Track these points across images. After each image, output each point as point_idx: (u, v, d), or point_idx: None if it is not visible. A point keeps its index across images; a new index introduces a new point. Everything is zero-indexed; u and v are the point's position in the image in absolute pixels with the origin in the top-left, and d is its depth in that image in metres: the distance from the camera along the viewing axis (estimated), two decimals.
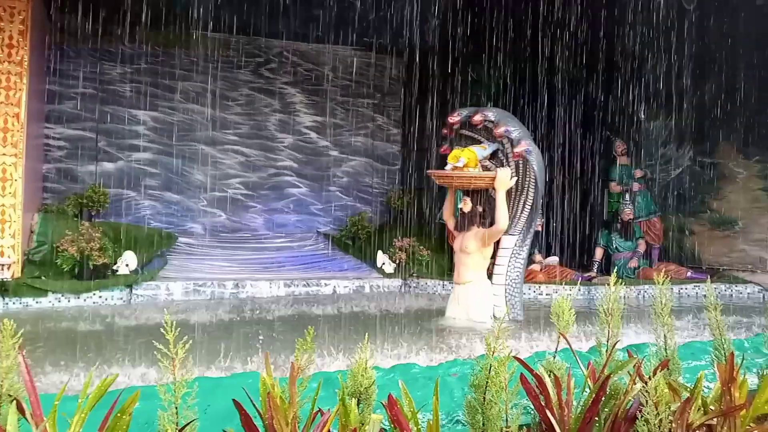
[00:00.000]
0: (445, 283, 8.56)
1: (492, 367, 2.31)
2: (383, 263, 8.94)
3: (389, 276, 8.77)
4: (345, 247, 9.52)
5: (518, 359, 2.36)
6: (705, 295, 3.03)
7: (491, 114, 5.72)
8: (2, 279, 6.77)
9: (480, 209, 5.81)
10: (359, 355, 2.24)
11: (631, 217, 9.22)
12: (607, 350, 2.62)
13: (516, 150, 5.58)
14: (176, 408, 1.89)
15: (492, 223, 5.69)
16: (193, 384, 1.95)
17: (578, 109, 10.10)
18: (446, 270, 9.11)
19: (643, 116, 9.51)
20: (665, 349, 2.86)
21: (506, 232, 5.86)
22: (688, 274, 8.86)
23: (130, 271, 7.67)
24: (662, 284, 2.95)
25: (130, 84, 9.38)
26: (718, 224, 9.23)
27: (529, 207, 5.84)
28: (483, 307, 5.77)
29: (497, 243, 5.93)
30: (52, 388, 3.37)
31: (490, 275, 6.01)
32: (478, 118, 5.69)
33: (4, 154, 6.95)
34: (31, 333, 5.52)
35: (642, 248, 9.33)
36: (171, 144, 9.60)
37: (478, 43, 9.28)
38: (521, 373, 2.32)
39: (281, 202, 10.20)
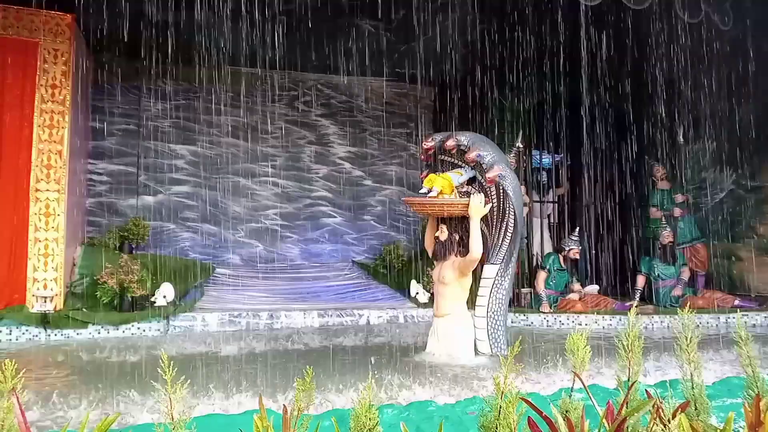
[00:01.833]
0: None
1: (501, 408, 2.23)
2: (417, 293, 8.87)
3: (423, 306, 8.68)
4: (379, 276, 9.50)
5: (526, 400, 2.27)
6: (754, 325, 2.87)
7: (464, 138, 5.52)
8: (45, 311, 6.97)
9: (457, 237, 5.53)
10: (363, 394, 2.20)
11: (671, 240, 8.91)
12: (630, 389, 2.50)
13: (488, 175, 5.38)
14: None
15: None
16: (191, 425, 1.94)
17: (615, 134, 9.93)
18: None
19: (682, 140, 9.25)
20: (692, 387, 2.71)
21: (488, 261, 5.64)
22: (736, 302, 8.48)
23: (168, 303, 7.80)
24: (688, 315, 2.80)
25: (170, 119, 9.70)
26: (766, 250, 8.83)
27: (510, 235, 5.58)
28: (462, 341, 5.40)
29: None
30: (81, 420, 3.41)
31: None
32: (450, 143, 5.52)
33: (47, 190, 7.23)
34: (67, 364, 5.67)
35: (686, 275, 9.00)
36: (209, 177, 9.84)
37: (510, 70, 9.26)
38: (529, 417, 2.23)
39: (316, 232, 10.29)
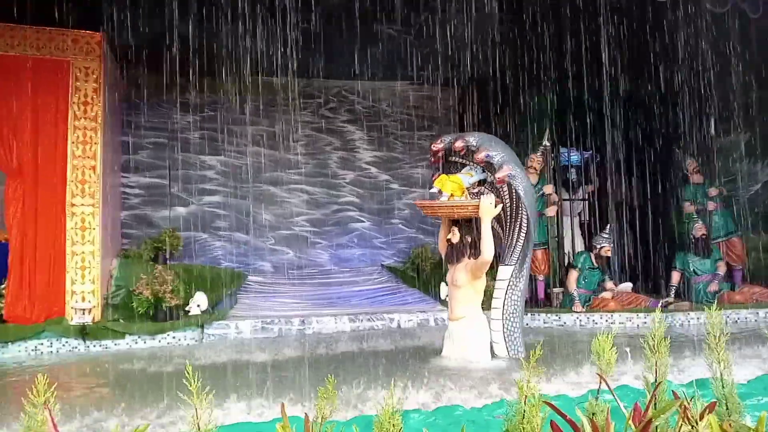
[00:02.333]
0: None
1: (524, 412, 2.23)
2: (447, 295, 8.83)
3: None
4: (409, 279, 9.51)
5: (548, 404, 2.26)
6: None
7: (473, 139, 5.46)
8: (84, 323, 7.16)
9: (469, 239, 5.44)
10: (387, 401, 2.21)
11: (704, 233, 8.72)
12: (655, 389, 2.47)
13: (497, 175, 5.30)
14: None
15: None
16: None
17: (645, 128, 9.76)
18: None
19: (713, 132, 9.04)
20: (722, 387, 2.66)
21: (502, 263, 5.57)
22: None
23: (202, 312, 7.93)
24: (716, 313, 2.75)
25: (199, 131, 9.89)
26: None
27: (524, 235, 5.50)
28: (477, 344, 5.33)
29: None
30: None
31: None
32: (459, 144, 5.46)
33: (83, 204, 7.43)
34: (105, 375, 5.82)
35: (722, 270, 8.79)
36: (238, 186, 10.00)
37: (535, 68, 9.20)
38: (552, 420, 2.22)
39: (345, 237, 10.37)
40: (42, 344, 6.90)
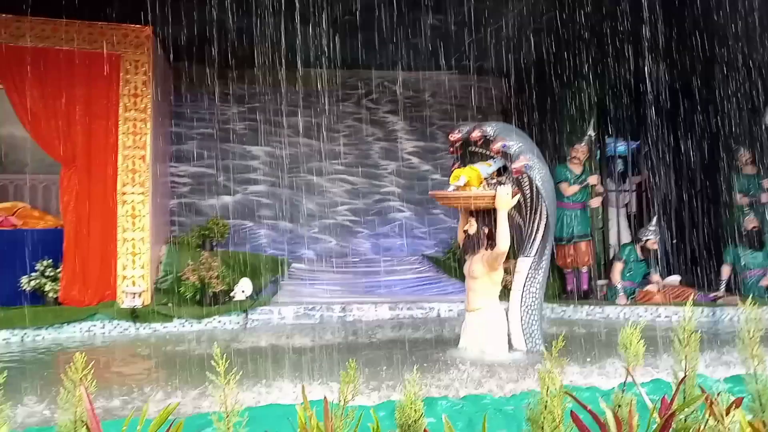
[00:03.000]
0: (554, 306, 8.30)
1: (546, 402, 2.24)
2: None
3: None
4: (450, 270, 9.51)
5: (569, 394, 2.27)
6: None
7: (490, 129, 5.33)
8: (134, 306, 7.46)
9: (486, 230, 5.35)
10: (408, 387, 2.26)
11: (755, 225, 8.41)
12: (680, 383, 2.45)
13: (514, 166, 5.16)
14: None
15: None
16: (244, 413, 2.07)
17: (695, 117, 9.45)
18: (556, 292, 8.84)
19: (767, 122, 8.67)
20: (756, 382, 2.61)
21: (521, 254, 5.48)
22: None
23: (246, 297, 8.16)
24: (752, 307, 2.69)
25: (245, 122, 10.10)
26: None
27: (544, 227, 5.38)
28: (494, 336, 5.28)
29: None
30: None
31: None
32: (476, 134, 5.33)
33: (133, 193, 7.72)
34: (152, 356, 6.07)
35: None
36: (283, 176, 10.18)
37: (581, 56, 9.02)
38: (572, 410, 2.23)
39: (387, 227, 10.44)
40: (95, 326, 7.23)
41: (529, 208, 5.49)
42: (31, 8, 6.96)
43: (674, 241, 9.31)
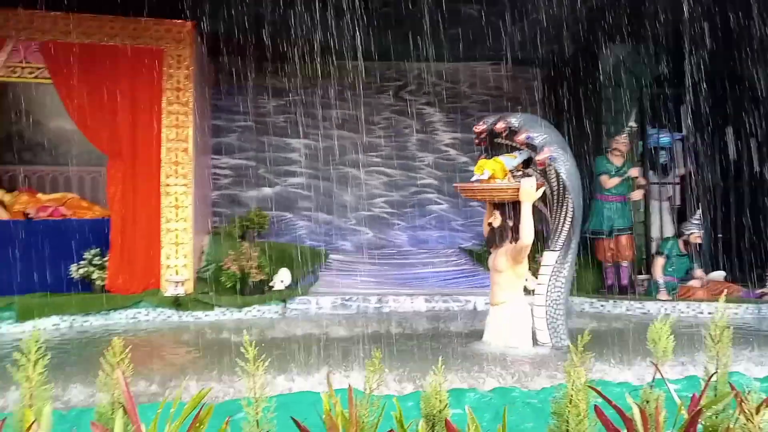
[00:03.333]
0: (593, 300, 8.19)
1: (571, 396, 2.25)
2: (526, 279, 8.73)
3: (531, 293, 8.55)
4: (486, 262, 9.45)
5: (593, 388, 2.27)
6: None
7: (514, 120, 5.19)
8: (177, 295, 7.69)
9: (511, 223, 5.24)
10: (433, 378, 2.30)
11: None
12: (708, 380, 2.42)
13: (538, 158, 5.02)
14: (257, 421, 2.09)
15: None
16: (272, 399, 2.15)
17: (743, 107, 9.14)
18: (595, 287, 8.72)
19: None
20: None
21: (547, 248, 5.35)
22: None
23: (285, 287, 8.31)
24: None
25: (284, 115, 10.26)
26: None
27: (570, 220, 5.24)
28: (519, 330, 5.22)
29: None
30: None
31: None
32: (500, 125, 5.20)
33: (176, 184, 7.93)
34: (193, 343, 6.25)
35: None
36: (321, 168, 10.32)
37: (622, 45, 8.84)
38: (596, 405, 2.23)
39: (423, 219, 10.47)
40: (140, 313, 7.47)
41: (555, 201, 5.39)
42: (77, 5, 7.21)
43: (719, 236, 9.05)
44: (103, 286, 7.61)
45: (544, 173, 5.32)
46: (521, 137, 5.11)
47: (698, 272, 8.27)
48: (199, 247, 8.55)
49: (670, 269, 8.21)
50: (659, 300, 7.92)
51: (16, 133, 9.27)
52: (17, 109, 8.95)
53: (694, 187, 9.47)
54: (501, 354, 4.90)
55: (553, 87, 10.32)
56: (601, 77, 9.16)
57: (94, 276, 7.63)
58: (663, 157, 9.89)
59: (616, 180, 8.45)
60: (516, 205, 5.21)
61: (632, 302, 8.02)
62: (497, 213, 5.34)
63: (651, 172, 9.29)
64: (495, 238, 5.37)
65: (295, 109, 10.19)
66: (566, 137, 9.64)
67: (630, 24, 8.16)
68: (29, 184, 9.16)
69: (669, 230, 9.18)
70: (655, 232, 9.26)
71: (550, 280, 5.35)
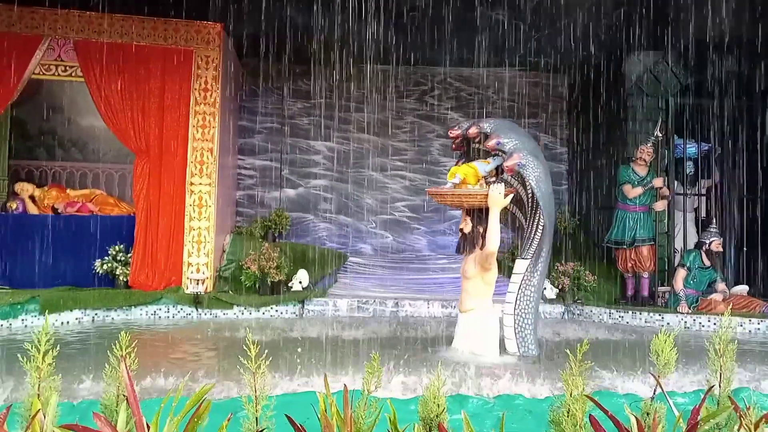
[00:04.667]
0: (612, 311, 8.11)
1: (568, 406, 2.26)
2: (545, 288, 8.70)
3: (550, 301, 8.53)
4: (506, 270, 9.43)
5: (591, 399, 2.28)
6: None
7: (487, 125, 5.10)
8: (197, 293, 7.82)
9: (481, 230, 5.14)
10: (432, 383, 2.33)
11: None
12: (706, 393, 2.41)
13: (506, 164, 4.89)
14: (256, 419, 2.15)
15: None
16: (272, 398, 2.20)
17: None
18: (614, 297, 8.64)
19: None
20: None
21: (519, 256, 5.27)
22: None
23: (303, 288, 8.39)
24: None
25: (309, 117, 10.37)
26: None
27: (542, 228, 5.12)
28: (486, 338, 5.12)
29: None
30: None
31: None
32: (473, 130, 5.11)
33: (201, 184, 8.07)
34: (210, 340, 6.35)
35: None
36: (344, 171, 10.40)
37: (649, 54, 8.75)
38: (591, 414, 2.23)
39: (443, 224, 10.47)
40: (160, 309, 7.62)
41: (529, 209, 5.31)
42: (111, 6, 7.40)
43: (744, 250, 8.90)
44: (126, 281, 7.78)
45: (520, 179, 5.24)
46: (491, 143, 5.03)
47: (721, 285, 8.13)
48: (221, 245, 8.68)
49: (692, 281, 8.09)
50: (679, 312, 7.81)
51: (49, 130, 9.53)
52: (51, 106, 9.22)
53: (720, 199, 9.33)
54: (464, 361, 4.82)
55: (579, 94, 10.26)
56: (627, 85, 9.08)
57: (118, 272, 7.80)
58: (689, 167, 9.76)
59: (639, 190, 8.36)
60: (487, 211, 5.11)
61: (651, 314, 7.93)
62: (468, 219, 5.29)
63: (676, 183, 9.17)
64: (466, 245, 5.32)
65: (319, 112, 10.30)
66: (590, 145, 9.65)
67: (657, 33, 8.07)
68: (59, 180, 9.40)
69: (694, 242, 9.05)
70: (678, 244, 9.15)
71: (519, 288, 5.25)
